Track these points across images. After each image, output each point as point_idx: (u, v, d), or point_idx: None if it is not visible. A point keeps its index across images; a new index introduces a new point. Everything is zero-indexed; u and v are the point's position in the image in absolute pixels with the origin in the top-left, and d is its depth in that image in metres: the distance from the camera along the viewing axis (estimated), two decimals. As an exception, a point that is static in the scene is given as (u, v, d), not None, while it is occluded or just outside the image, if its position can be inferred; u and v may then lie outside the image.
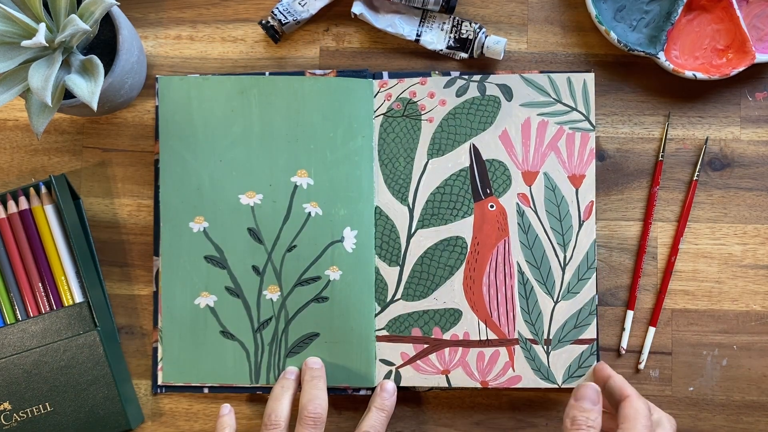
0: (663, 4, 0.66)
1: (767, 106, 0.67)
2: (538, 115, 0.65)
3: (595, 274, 0.64)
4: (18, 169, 0.68)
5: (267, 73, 0.67)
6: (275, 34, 0.67)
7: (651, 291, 0.66)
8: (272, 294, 0.64)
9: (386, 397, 0.62)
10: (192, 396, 0.66)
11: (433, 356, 0.64)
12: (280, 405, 0.60)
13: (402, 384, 0.64)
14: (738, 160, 0.67)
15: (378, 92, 0.66)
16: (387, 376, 0.64)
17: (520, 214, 0.65)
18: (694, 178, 0.66)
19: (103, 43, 0.60)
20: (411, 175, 0.65)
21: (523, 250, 0.64)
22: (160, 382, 0.65)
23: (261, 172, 0.65)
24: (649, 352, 0.66)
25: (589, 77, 0.65)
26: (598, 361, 0.64)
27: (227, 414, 0.61)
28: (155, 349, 0.65)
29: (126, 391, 0.64)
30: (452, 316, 0.64)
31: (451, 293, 0.64)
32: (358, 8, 0.66)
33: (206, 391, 0.65)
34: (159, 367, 0.65)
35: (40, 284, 0.63)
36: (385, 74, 0.67)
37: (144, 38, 0.68)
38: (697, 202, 0.67)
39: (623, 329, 0.66)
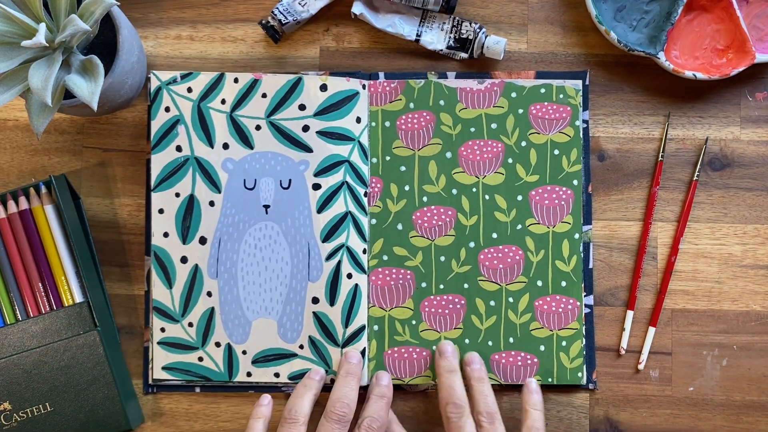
0: (663, 4, 0.66)
1: (767, 106, 0.67)
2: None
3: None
4: (18, 169, 0.67)
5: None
6: (275, 34, 0.67)
7: (651, 291, 0.66)
8: None
9: (383, 385, 0.63)
10: (192, 396, 0.66)
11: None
12: (301, 402, 0.61)
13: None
14: (738, 160, 0.67)
15: None
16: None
17: None
18: (694, 178, 0.66)
19: (103, 43, 0.60)
20: None
21: None
22: (150, 381, 0.65)
23: None
24: (649, 352, 0.66)
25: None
26: None
27: (266, 405, 0.62)
28: (146, 349, 0.65)
29: (126, 391, 0.64)
30: None
31: None
32: (358, 8, 0.66)
33: (198, 390, 0.65)
34: (150, 366, 0.65)
35: (40, 284, 0.63)
36: (381, 75, 0.67)
37: (144, 38, 0.68)
38: (697, 202, 0.67)
39: (623, 329, 0.66)
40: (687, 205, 0.66)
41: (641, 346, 0.66)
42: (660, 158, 0.66)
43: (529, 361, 0.64)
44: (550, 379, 0.64)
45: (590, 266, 0.65)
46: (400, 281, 0.65)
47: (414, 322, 0.65)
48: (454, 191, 0.66)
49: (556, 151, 0.66)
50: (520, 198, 0.66)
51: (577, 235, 0.65)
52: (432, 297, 0.65)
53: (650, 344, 0.65)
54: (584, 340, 0.65)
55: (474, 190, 0.66)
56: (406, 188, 0.66)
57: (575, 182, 0.66)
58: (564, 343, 0.65)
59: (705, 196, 0.67)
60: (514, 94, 0.66)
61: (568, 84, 0.66)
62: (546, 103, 0.66)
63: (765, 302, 0.66)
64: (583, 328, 0.65)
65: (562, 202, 0.65)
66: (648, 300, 0.66)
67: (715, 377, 0.65)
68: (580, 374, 0.64)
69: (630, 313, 0.66)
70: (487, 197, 0.66)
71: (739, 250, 0.66)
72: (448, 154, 0.66)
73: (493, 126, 0.66)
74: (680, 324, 0.66)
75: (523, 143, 0.66)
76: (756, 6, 0.66)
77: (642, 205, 0.67)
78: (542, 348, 0.64)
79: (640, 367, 0.65)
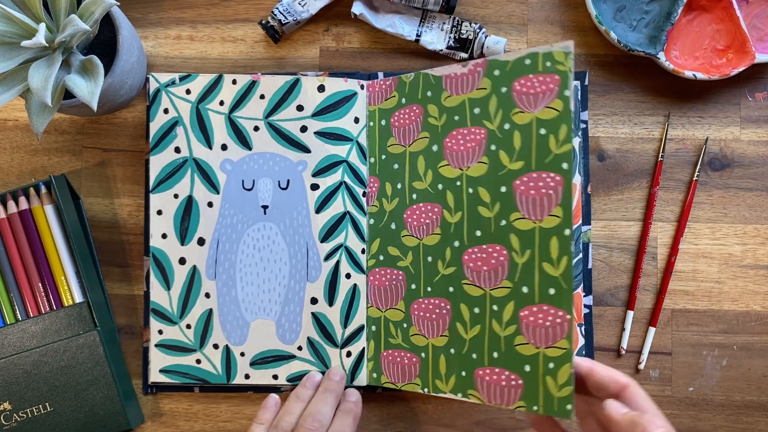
0: (663, 4, 0.66)
1: (767, 106, 0.67)
2: None
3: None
4: (18, 169, 0.68)
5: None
6: (275, 34, 0.67)
7: (651, 291, 0.66)
8: None
9: (351, 401, 0.61)
10: (192, 396, 0.66)
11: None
12: (290, 417, 0.59)
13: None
14: (738, 160, 0.67)
15: None
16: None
17: None
18: (694, 178, 0.66)
19: (103, 43, 0.60)
20: None
21: None
22: (150, 381, 0.65)
23: None
24: (649, 352, 0.66)
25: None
26: None
27: (272, 407, 0.60)
28: (146, 349, 0.65)
29: (126, 391, 0.64)
30: None
31: None
32: (358, 8, 0.66)
33: (196, 390, 0.65)
34: (149, 368, 0.65)
35: (40, 284, 0.63)
36: (380, 75, 0.67)
37: (144, 38, 0.68)
38: (697, 202, 0.67)
39: (623, 329, 0.66)
40: (687, 205, 0.66)
41: (641, 346, 0.66)
42: (660, 158, 0.66)
43: (513, 383, 0.56)
44: (535, 408, 0.54)
45: (589, 266, 0.65)
46: (393, 282, 0.63)
47: (405, 325, 0.62)
48: (440, 186, 0.61)
49: (543, 131, 0.55)
50: (503, 189, 0.57)
51: (567, 231, 0.54)
52: (420, 300, 0.62)
53: (650, 344, 0.65)
54: (574, 362, 0.54)
55: (458, 183, 0.60)
56: (399, 186, 0.63)
57: (564, 165, 0.54)
58: (551, 365, 0.54)
59: (705, 196, 0.67)
60: (497, 72, 0.58)
61: (556, 48, 0.55)
62: (531, 76, 0.56)
63: (765, 302, 0.66)
64: (572, 346, 0.54)
65: (550, 191, 0.54)
66: (648, 300, 0.66)
67: (715, 377, 0.65)
68: (569, 406, 0.52)
69: (630, 313, 0.66)
70: (470, 191, 0.59)
71: (739, 250, 0.66)
72: (435, 148, 0.61)
73: (476, 111, 0.59)
74: (680, 324, 0.66)
75: (506, 125, 0.57)
76: (756, 6, 0.66)
77: (642, 205, 0.67)
78: (527, 368, 0.55)
79: (640, 367, 0.65)
